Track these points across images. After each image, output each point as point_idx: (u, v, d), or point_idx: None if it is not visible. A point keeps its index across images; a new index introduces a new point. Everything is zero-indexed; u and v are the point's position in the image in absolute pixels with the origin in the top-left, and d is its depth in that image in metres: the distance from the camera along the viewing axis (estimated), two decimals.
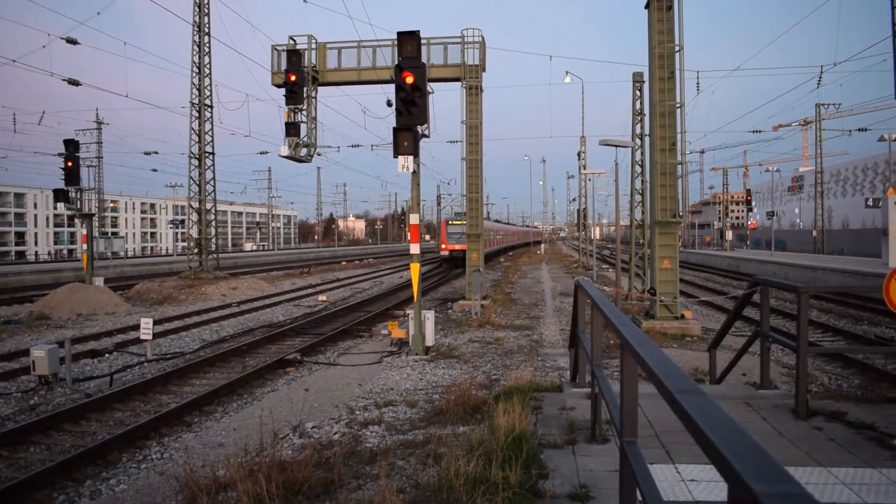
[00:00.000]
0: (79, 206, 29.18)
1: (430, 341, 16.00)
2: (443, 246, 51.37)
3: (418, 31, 14.50)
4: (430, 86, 15.80)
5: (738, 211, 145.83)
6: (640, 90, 26.47)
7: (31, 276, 39.98)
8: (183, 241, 68.55)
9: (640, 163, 26.85)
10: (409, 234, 16.81)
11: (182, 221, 62.15)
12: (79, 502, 7.81)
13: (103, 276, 31.86)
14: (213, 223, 36.34)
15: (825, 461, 5.37)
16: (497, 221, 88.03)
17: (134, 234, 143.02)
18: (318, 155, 26.24)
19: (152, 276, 40.45)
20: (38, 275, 40.45)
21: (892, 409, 6.95)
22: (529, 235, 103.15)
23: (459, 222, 44.79)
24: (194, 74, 33.95)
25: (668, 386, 2.12)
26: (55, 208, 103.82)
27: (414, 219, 16.09)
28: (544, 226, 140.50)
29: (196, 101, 34.16)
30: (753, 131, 71.98)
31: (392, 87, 15.05)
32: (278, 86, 24.46)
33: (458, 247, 45.93)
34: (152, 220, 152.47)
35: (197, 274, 34.27)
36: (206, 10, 33.95)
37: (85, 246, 30.22)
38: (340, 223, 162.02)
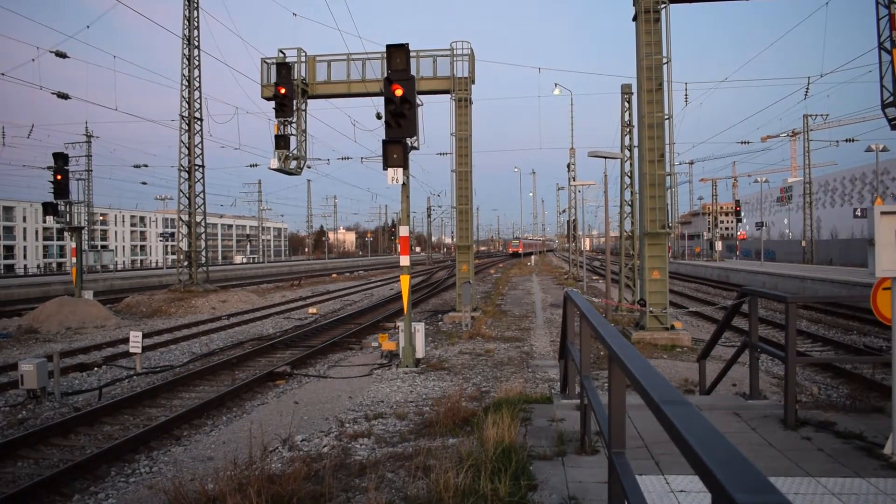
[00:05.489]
0: (68, 220, 29.05)
1: (420, 353, 15.98)
2: (510, 250, 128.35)
3: (407, 43, 14.56)
4: (420, 98, 15.83)
5: (728, 222, 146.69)
6: (629, 102, 26.64)
7: (20, 289, 39.71)
8: (173, 254, 68.28)
9: (629, 174, 26.98)
10: (399, 246, 16.81)
11: (172, 234, 61.98)
12: None
13: (92, 290, 31.66)
14: (203, 236, 36.25)
15: (814, 471, 5.38)
16: (527, 238, 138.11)
17: (123, 247, 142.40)
18: (308, 167, 26.29)
19: (142, 290, 40.26)
20: (27, 288, 40.19)
21: (881, 418, 6.97)
22: (544, 245, 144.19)
23: (516, 239, 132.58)
24: (184, 87, 33.94)
25: (653, 396, 2.13)
26: (44, 222, 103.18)
27: (404, 231, 16.09)
28: (535, 237, 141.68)
29: (186, 114, 34.13)
30: (742, 142, 72.25)
31: (381, 99, 15.10)
32: (268, 99, 24.49)
33: (515, 249, 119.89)
34: (142, 233, 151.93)
35: (187, 287, 34.13)
36: (196, 24, 33.98)
37: (74, 259, 30.06)
38: (331, 235, 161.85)
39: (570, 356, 7.20)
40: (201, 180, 35.34)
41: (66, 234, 35.76)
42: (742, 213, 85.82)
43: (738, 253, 75.51)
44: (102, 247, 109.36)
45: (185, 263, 35.92)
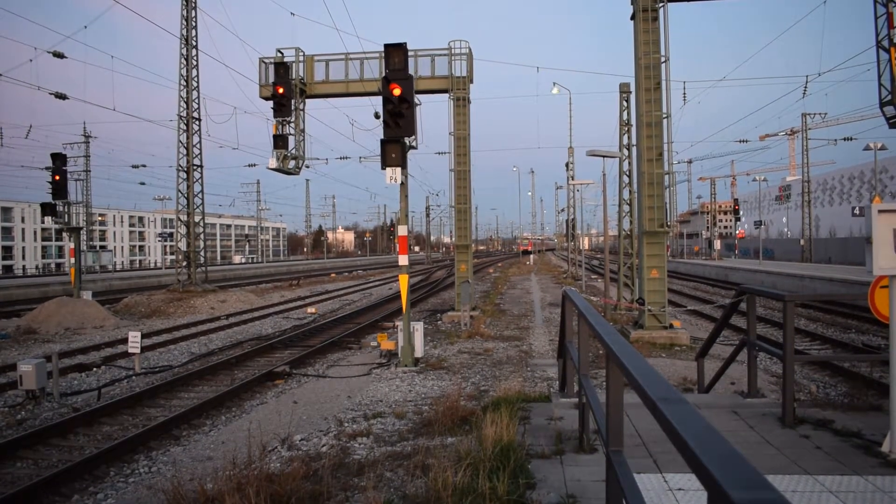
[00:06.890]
0: (66, 220, 29.01)
1: (419, 353, 15.99)
2: (520, 248, 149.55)
3: (405, 43, 14.55)
4: (418, 97, 15.85)
5: (727, 220, 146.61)
6: (627, 101, 26.63)
7: (19, 290, 39.69)
8: (171, 254, 68.25)
9: (627, 173, 26.98)
10: (397, 246, 16.81)
11: (170, 234, 61.96)
12: None
13: (91, 290, 31.65)
14: (202, 236, 36.23)
15: (812, 469, 5.39)
16: (532, 238, 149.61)
17: (122, 247, 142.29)
18: (307, 167, 26.28)
19: (140, 290, 40.23)
20: (26, 289, 40.16)
21: (879, 416, 6.97)
22: (543, 244, 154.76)
23: (525, 239, 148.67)
24: (182, 87, 33.89)
25: (650, 394, 2.13)
26: (43, 222, 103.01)
27: (402, 230, 16.09)
28: (533, 236, 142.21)
29: (184, 113, 34.08)
30: (740, 141, 72.53)
31: (380, 98, 15.09)
32: (266, 98, 24.47)
33: (525, 247, 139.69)
34: (140, 233, 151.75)
35: (185, 287, 34.09)
36: (194, 24, 33.92)
37: (73, 260, 30.04)
38: (329, 235, 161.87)
39: (568, 355, 7.20)
40: (200, 180, 35.31)
41: (64, 234, 35.81)
42: (741, 212, 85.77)
43: (736, 252, 75.49)
44: (101, 247, 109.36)
45: (184, 264, 35.88)
